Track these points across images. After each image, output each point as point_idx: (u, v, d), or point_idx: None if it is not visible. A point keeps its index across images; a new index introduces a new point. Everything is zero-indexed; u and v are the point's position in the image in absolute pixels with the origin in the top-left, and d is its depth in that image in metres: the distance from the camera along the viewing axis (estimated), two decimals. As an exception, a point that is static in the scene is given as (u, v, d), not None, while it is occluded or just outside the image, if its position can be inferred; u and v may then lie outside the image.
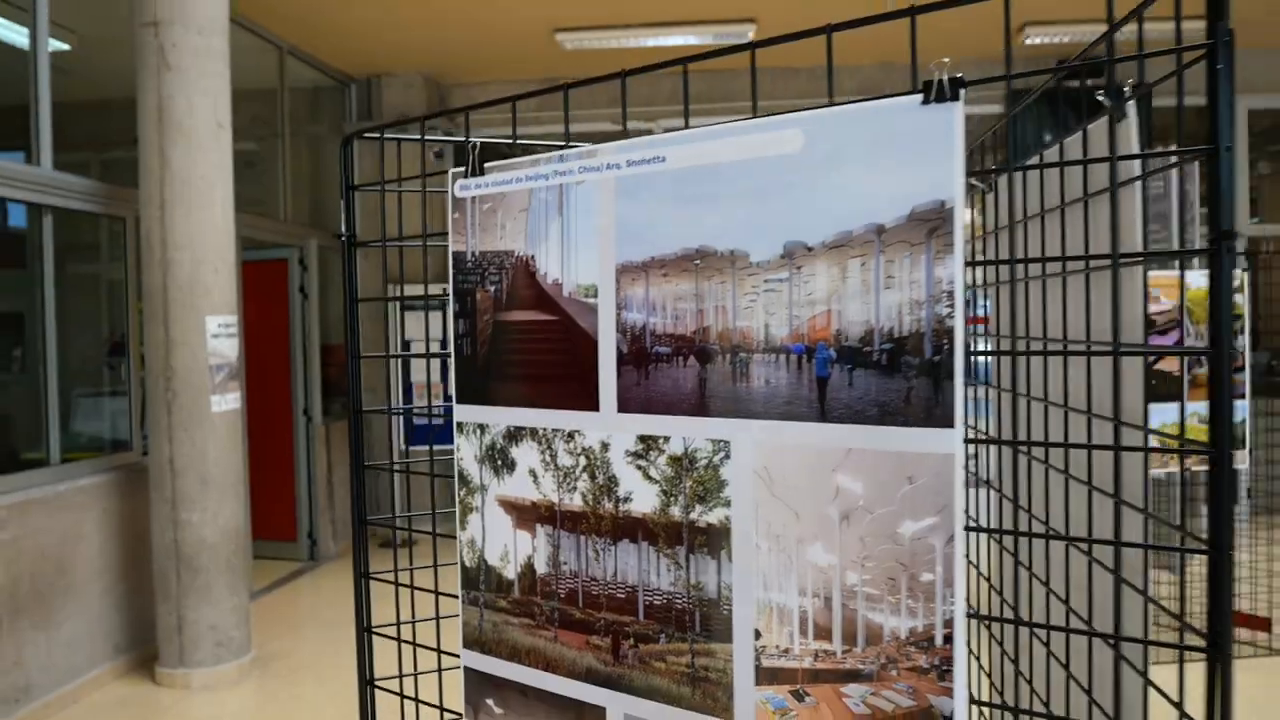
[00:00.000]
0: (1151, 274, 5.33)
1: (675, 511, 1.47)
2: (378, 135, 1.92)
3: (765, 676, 1.40)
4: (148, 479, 5.07)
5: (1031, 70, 1.41)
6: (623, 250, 1.51)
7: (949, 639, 1.25)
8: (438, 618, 1.95)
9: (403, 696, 1.94)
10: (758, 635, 1.40)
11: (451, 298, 1.73)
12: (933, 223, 1.24)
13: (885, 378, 1.29)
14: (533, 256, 1.63)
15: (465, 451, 1.73)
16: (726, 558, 1.43)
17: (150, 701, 4.85)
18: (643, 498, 1.51)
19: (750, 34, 7.22)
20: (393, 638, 1.94)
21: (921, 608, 1.27)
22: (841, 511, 1.32)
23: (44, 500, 4.71)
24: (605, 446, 1.54)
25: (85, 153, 6.28)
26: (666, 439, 1.47)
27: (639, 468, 1.51)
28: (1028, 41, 7.48)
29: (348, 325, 1.96)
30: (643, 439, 1.50)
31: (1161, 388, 5.29)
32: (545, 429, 1.62)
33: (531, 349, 1.64)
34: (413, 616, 1.95)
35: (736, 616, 1.42)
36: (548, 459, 1.62)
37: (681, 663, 1.48)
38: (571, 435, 1.58)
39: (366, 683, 1.93)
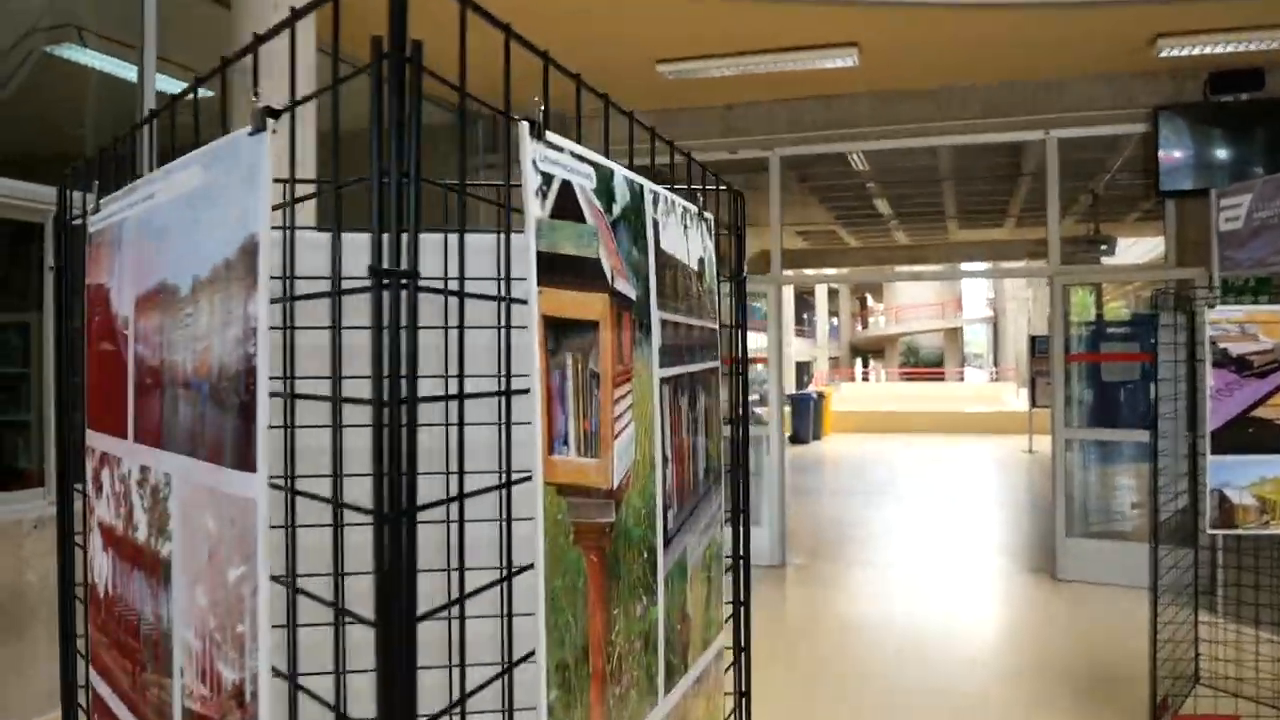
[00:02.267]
0: (1252, 308, 4.60)
1: (151, 541, 1.49)
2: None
3: (187, 717, 1.38)
4: None
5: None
6: (139, 282, 1.55)
7: (256, 696, 1.19)
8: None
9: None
10: (181, 674, 1.39)
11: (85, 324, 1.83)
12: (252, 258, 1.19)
13: (221, 415, 1.25)
14: (109, 288, 1.69)
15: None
16: (168, 591, 1.42)
17: None
18: (140, 526, 1.53)
19: (853, 59, 6.92)
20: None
21: (239, 661, 1.21)
22: (208, 551, 1.29)
23: None
24: (129, 473, 1.58)
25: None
26: (148, 469, 1.49)
27: (140, 496, 1.53)
28: (1163, 54, 6.69)
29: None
30: (142, 468, 1.52)
31: (1268, 439, 4.55)
32: (100, 452, 1.68)
33: (100, 377, 1.71)
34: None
35: (174, 653, 1.41)
36: (105, 482, 1.68)
37: (155, 695, 1.49)
38: (117, 461, 1.63)
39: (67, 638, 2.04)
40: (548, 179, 1.26)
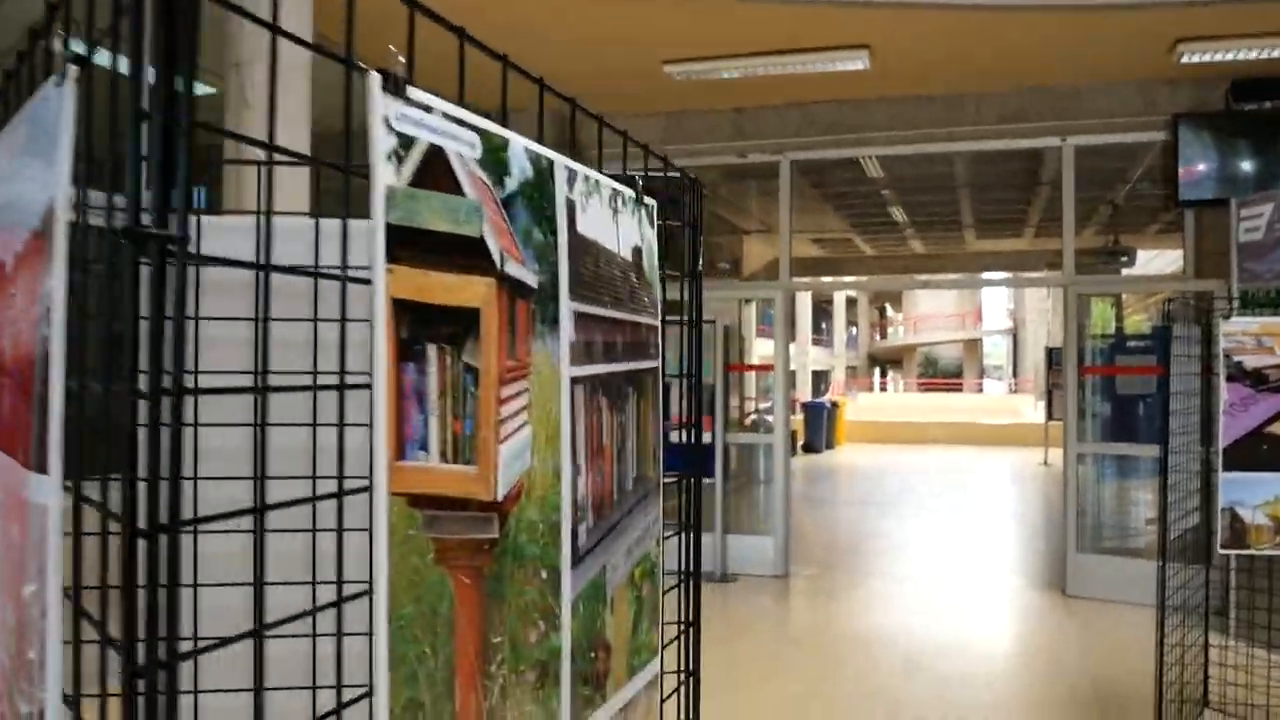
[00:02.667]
0: (1268, 320, 4.37)
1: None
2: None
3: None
4: None
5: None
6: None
7: (47, 734, 1.02)
8: None
9: None
10: (1, 700, 1.22)
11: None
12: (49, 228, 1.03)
13: (24, 409, 1.08)
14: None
15: None
16: (-8, 607, 1.26)
17: None
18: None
19: (863, 61, 6.72)
20: None
21: (29, 692, 1.05)
22: (8, 564, 1.12)
23: None
24: None
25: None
26: None
27: None
28: (1184, 60, 6.45)
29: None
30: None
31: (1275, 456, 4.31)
32: None
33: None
34: None
35: (-3, 676, 1.25)
36: None
37: None
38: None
39: None
40: (407, 142, 1.09)
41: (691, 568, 2.07)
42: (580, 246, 1.51)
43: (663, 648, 1.88)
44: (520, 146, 1.34)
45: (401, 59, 1.09)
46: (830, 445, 19.63)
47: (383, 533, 1.04)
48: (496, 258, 1.25)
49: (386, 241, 1.05)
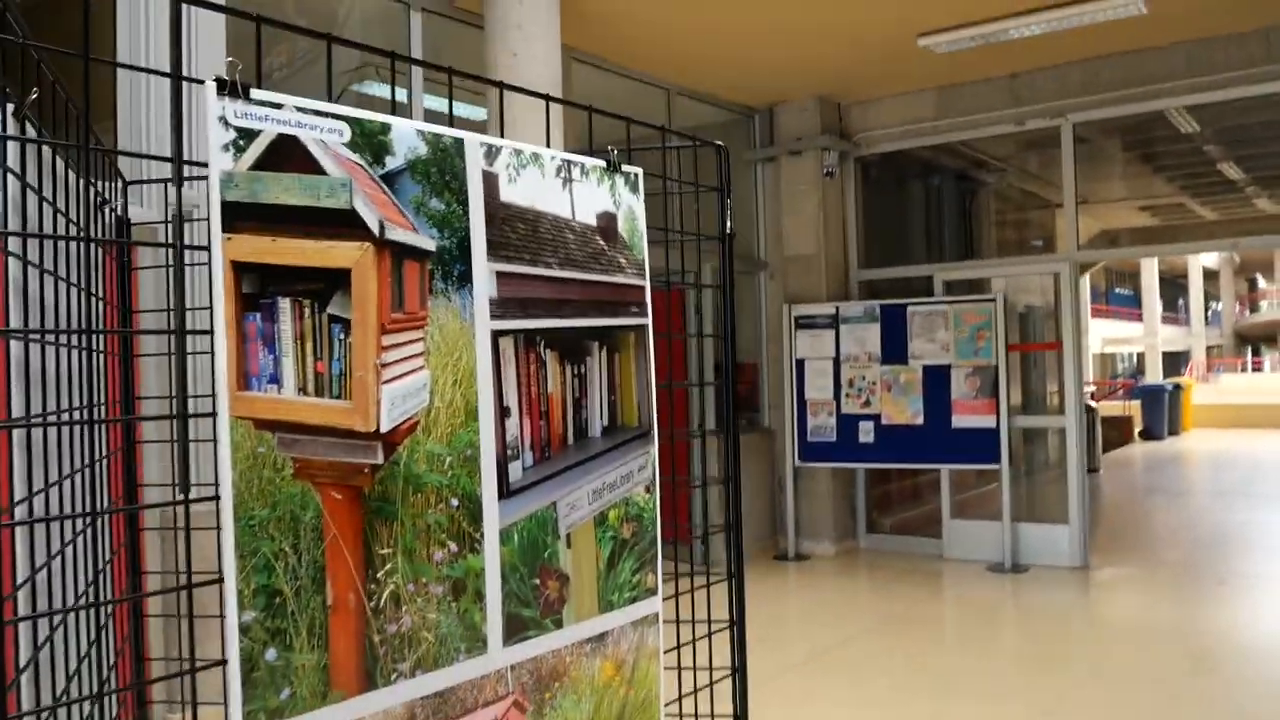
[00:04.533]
0: None
1: None
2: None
3: None
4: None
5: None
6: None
7: None
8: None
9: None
10: None
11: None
12: None
13: None
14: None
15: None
16: None
17: None
18: None
19: (1138, 6, 6.10)
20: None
21: (15, 568, 1.42)
22: None
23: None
24: None
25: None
26: None
27: None
28: None
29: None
30: None
31: None
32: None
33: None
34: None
35: None
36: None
37: None
38: None
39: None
40: (246, 134, 1.34)
41: (734, 567, 2.15)
42: (505, 213, 1.69)
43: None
44: (409, 129, 1.55)
45: (236, 64, 1.35)
46: (1174, 431, 17.65)
47: (225, 448, 1.30)
48: (375, 225, 1.48)
49: (229, 214, 1.31)
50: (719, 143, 2.19)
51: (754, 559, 8.05)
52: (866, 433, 8.04)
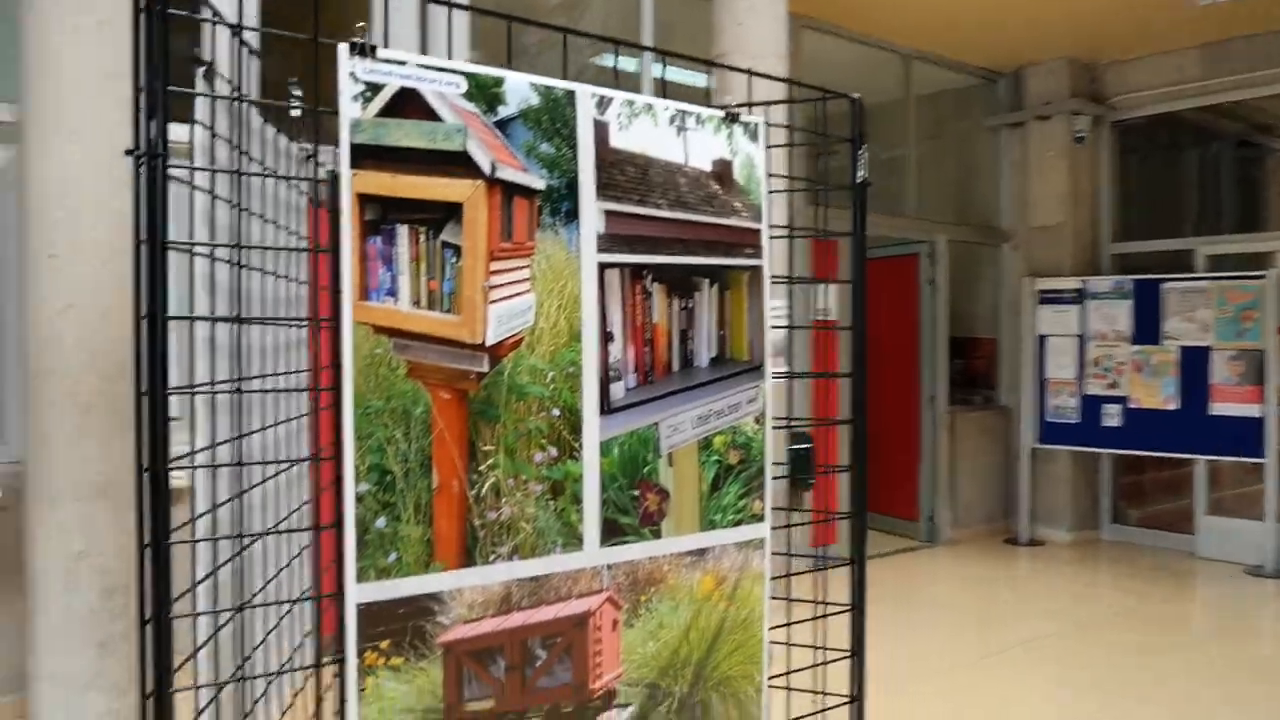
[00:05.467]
0: None
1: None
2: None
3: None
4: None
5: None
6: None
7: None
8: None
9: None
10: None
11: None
12: None
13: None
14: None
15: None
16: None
17: None
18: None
19: None
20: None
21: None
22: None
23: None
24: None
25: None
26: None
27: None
28: None
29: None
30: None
31: None
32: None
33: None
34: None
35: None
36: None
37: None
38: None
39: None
40: (373, 88, 1.60)
41: (856, 553, 2.23)
42: (615, 158, 1.86)
43: (759, 515, 2.10)
44: (521, 81, 1.76)
45: (364, 27, 1.60)
46: None
47: (348, 346, 1.57)
48: (486, 166, 1.70)
49: (356, 154, 1.58)
50: (853, 95, 2.25)
51: (982, 541, 7.82)
52: (1112, 416, 7.56)
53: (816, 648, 2.31)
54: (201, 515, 1.60)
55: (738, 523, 2.05)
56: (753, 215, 2.08)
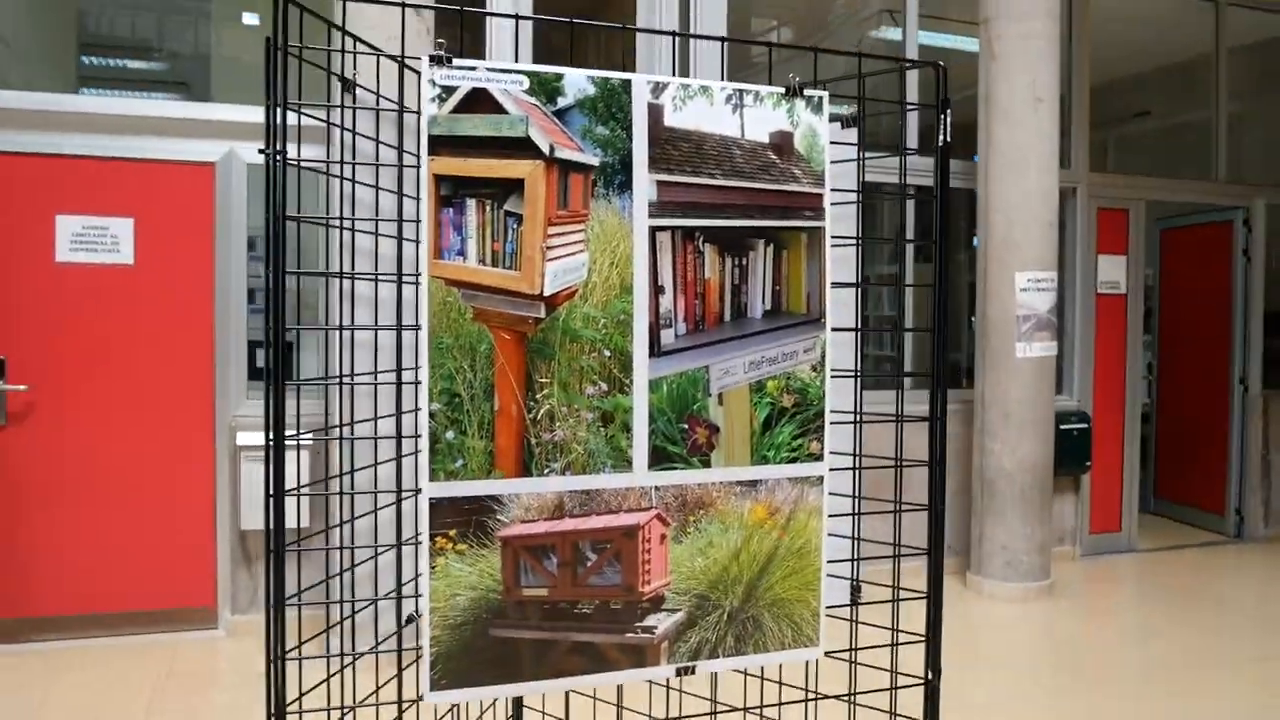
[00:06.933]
0: None
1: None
2: None
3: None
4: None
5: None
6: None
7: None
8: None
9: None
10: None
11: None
12: None
13: (357, 247, 2.33)
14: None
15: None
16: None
17: (947, 591, 5.87)
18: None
19: None
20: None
21: (349, 373, 2.31)
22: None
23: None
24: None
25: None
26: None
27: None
28: None
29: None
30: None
31: None
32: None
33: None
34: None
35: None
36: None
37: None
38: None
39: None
40: (448, 89, 2.02)
41: (932, 544, 2.37)
42: (668, 135, 2.15)
43: (812, 456, 2.28)
44: (579, 76, 2.10)
45: (442, 44, 2.02)
46: None
47: (425, 294, 2.01)
48: (545, 148, 2.07)
49: (433, 144, 2.01)
50: (938, 62, 2.35)
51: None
52: None
53: (890, 629, 2.45)
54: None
55: (793, 460, 2.27)
56: (814, 181, 2.27)
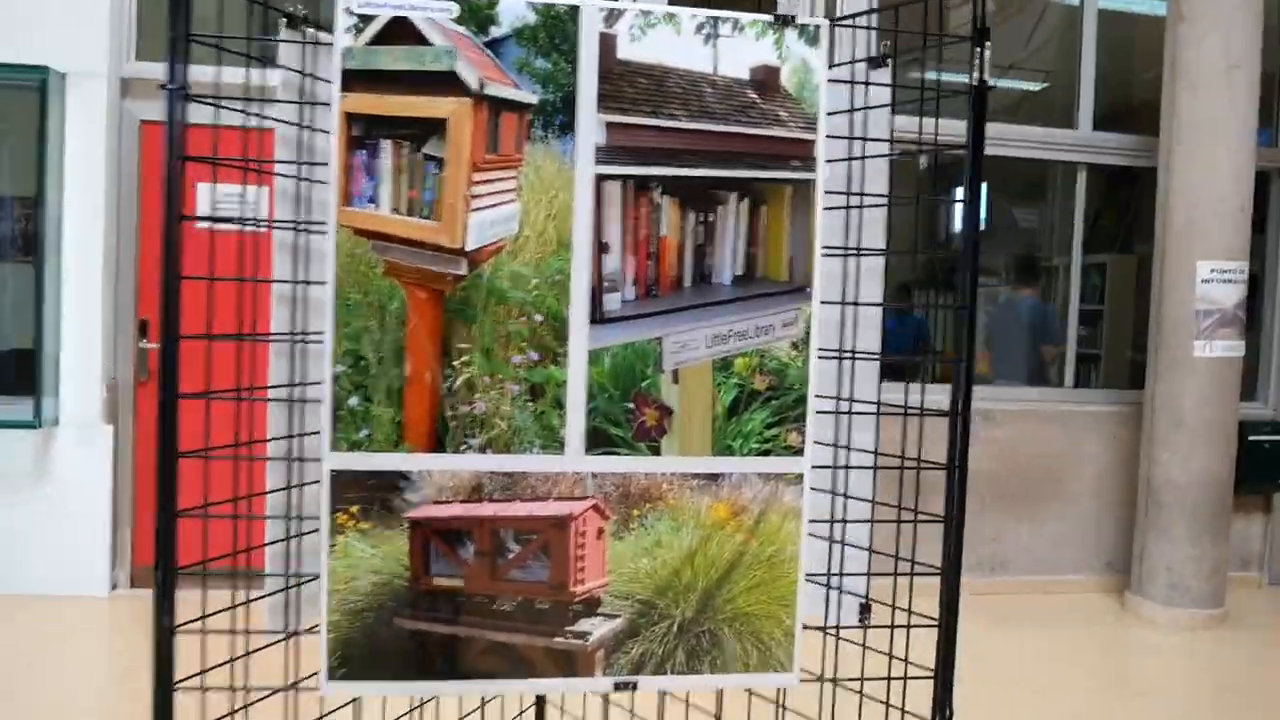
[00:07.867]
0: None
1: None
2: None
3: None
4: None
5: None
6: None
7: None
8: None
9: None
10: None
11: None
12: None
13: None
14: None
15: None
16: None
17: (1101, 611, 5.34)
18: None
19: None
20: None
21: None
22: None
23: (1043, 414, 5.69)
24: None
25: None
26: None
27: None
28: None
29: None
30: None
31: None
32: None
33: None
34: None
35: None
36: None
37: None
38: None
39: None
40: (365, 19, 1.82)
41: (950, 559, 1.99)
42: (622, 69, 1.87)
43: (784, 445, 1.93)
44: (518, 2, 1.85)
45: (360, -32, 1.82)
46: None
47: (331, 244, 1.82)
48: (474, 83, 1.84)
49: (347, 79, 1.82)
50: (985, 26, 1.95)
51: None
52: None
53: (891, 657, 2.06)
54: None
55: (763, 452, 1.93)
56: (804, 125, 1.92)
